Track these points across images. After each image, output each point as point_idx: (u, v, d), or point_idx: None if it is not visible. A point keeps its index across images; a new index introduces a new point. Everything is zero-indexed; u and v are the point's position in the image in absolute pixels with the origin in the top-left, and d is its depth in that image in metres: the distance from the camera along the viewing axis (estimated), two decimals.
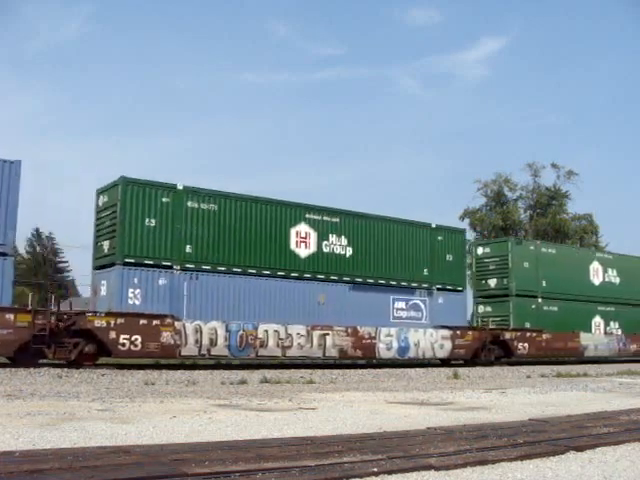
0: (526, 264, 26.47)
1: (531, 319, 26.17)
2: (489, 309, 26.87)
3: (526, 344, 24.98)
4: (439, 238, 23.67)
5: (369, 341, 20.65)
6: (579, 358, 27.36)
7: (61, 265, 69.76)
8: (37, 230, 69.25)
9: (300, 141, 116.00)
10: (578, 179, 50.24)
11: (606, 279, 29.72)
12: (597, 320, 28.70)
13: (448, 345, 22.64)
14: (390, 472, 4.43)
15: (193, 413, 7.68)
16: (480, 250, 27.82)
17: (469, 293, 26.56)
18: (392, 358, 21.51)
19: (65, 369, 15.02)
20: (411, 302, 22.55)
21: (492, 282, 26.83)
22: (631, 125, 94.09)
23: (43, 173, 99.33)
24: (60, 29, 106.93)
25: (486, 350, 23.65)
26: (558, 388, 13.24)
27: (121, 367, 16.65)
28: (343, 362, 22.53)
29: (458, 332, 23.10)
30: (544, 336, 25.77)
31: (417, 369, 20.15)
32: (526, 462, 4.99)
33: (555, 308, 27.05)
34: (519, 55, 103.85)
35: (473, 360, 23.33)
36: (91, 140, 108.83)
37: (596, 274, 29.35)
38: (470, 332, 23.62)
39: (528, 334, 25.40)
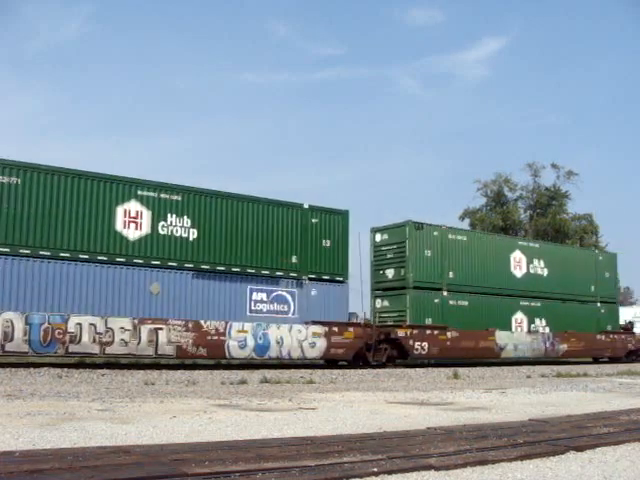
0: (428, 252, 23.30)
1: (434, 315, 22.99)
2: (386, 303, 23.68)
3: (425, 343, 21.94)
4: (313, 221, 20.51)
5: (216, 338, 17.81)
6: (495, 359, 24.55)
7: None
8: None
9: (300, 141, 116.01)
10: (578, 179, 50.27)
11: (531, 271, 26.47)
12: (519, 317, 25.58)
13: (322, 343, 19.47)
14: (390, 472, 4.43)
15: (193, 413, 7.69)
16: (378, 237, 24.38)
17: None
18: (247, 358, 18.60)
19: (65, 369, 15.01)
20: (275, 294, 19.55)
21: (390, 273, 23.54)
22: (631, 125, 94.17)
23: None
24: (60, 29, 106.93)
25: (374, 350, 20.84)
26: (558, 388, 13.24)
27: (121, 367, 16.65)
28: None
29: (335, 328, 19.88)
30: (449, 334, 22.71)
31: (417, 369, 20.16)
32: (526, 462, 5.00)
33: (465, 303, 23.85)
34: (519, 55, 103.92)
35: (357, 361, 20.52)
36: (91, 140, 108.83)
37: (518, 265, 26.05)
38: (351, 329, 20.35)
39: (428, 332, 22.27)
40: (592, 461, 5.14)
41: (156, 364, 18.40)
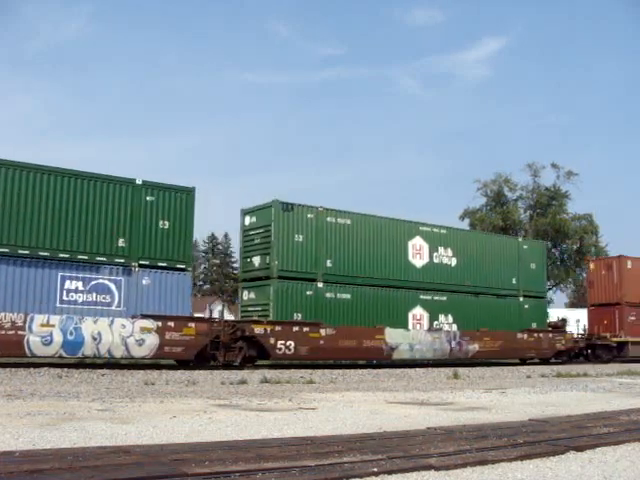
0: (299, 237, 20.13)
1: (306, 309, 19.87)
2: (252, 295, 20.61)
3: (291, 342, 18.96)
4: (148, 199, 17.85)
5: (12, 333, 15.36)
6: (385, 361, 21.94)
7: None
8: None
9: (300, 141, 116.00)
10: (578, 179, 50.32)
11: (435, 260, 23.19)
12: (418, 312, 22.35)
13: (153, 341, 16.89)
14: (390, 472, 4.43)
15: (193, 413, 7.69)
16: (247, 220, 21.23)
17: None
18: (54, 355, 16.07)
19: (65, 369, 15.01)
20: (94, 282, 16.95)
21: (256, 261, 20.51)
22: (631, 125, 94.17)
23: None
24: (60, 29, 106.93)
25: (226, 349, 18.18)
26: (558, 388, 13.24)
27: (121, 367, 16.64)
28: (343, 363, 22.42)
29: (171, 324, 17.18)
30: (323, 332, 19.55)
31: (417, 369, 20.13)
32: (526, 462, 5.00)
33: (347, 296, 20.75)
34: (519, 55, 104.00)
35: (202, 362, 18.05)
36: (91, 140, 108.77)
37: (419, 253, 22.79)
38: (192, 324, 17.67)
39: (295, 328, 19.13)
40: (592, 461, 5.14)
41: (156, 364, 18.40)
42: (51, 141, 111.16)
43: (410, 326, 22.07)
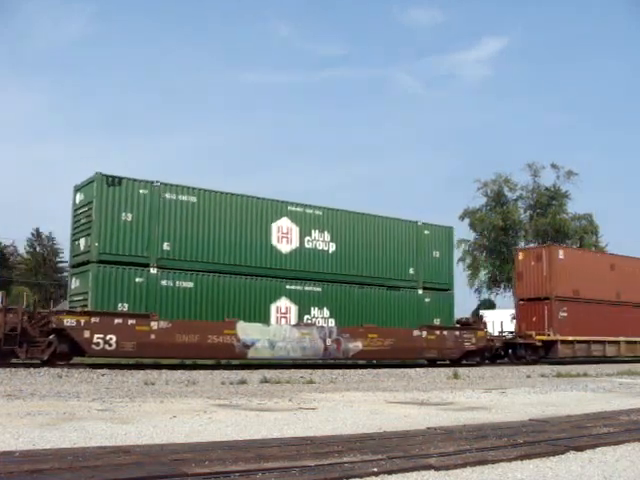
0: (127, 216, 17.49)
1: (135, 299, 17.33)
2: (78, 283, 18.05)
3: (113, 336, 16.45)
4: None
5: None
6: (240, 360, 19.41)
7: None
8: (37, 230, 69.23)
9: (300, 141, 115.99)
10: (578, 179, 50.26)
11: (307, 245, 20.29)
12: (283, 304, 19.47)
13: None
14: (390, 472, 4.43)
15: (193, 413, 7.68)
16: (78, 197, 18.44)
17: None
18: None
19: (65, 369, 15.00)
20: None
21: (82, 243, 17.96)
22: (631, 125, 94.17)
23: (43, 173, 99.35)
24: (60, 29, 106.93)
25: (29, 344, 15.77)
26: (558, 388, 13.24)
27: (121, 367, 16.63)
28: (344, 363, 22.24)
29: None
30: (154, 325, 17.08)
31: (417, 369, 20.12)
32: (526, 462, 5.00)
33: (189, 284, 18.11)
34: (520, 55, 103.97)
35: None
36: (91, 140, 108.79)
37: (286, 237, 19.91)
38: None
39: (118, 321, 16.64)
40: (592, 461, 5.14)
41: (156, 364, 18.40)
42: (51, 141, 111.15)
43: (273, 320, 19.20)
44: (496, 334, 25.69)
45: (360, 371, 18.35)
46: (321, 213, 20.89)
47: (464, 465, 4.76)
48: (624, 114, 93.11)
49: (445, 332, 22.56)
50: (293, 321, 19.63)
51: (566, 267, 26.62)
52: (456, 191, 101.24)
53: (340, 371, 17.99)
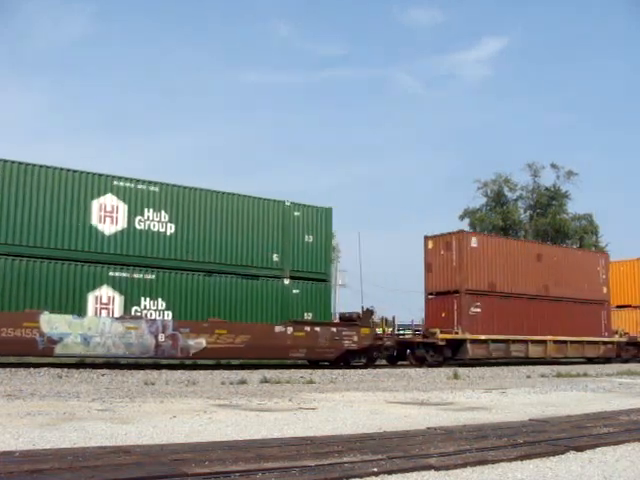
0: None
1: None
2: None
3: None
4: None
5: None
6: (46, 358, 16.22)
7: None
8: None
9: (300, 141, 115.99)
10: (578, 179, 50.36)
11: (138, 225, 17.69)
12: (105, 293, 16.91)
13: None
14: (390, 472, 4.43)
15: (193, 413, 7.69)
16: None
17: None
18: None
19: (65, 369, 15.01)
20: None
21: None
22: (631, 125, 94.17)
23: None
24: (60, 29, 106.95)
25: None
26: (558, 388, 13.24)
27: (121, 367, 16.64)
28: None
29: None
30: None
31: (417, 369, 20.13)
32: (526, 462, 4.99)
33: None
34: (520, 55, 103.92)
35: None
36: (91, 140, 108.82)
37: (110, 216, 17.33)
38: None
39: None
40: (592, 461, 5.14)
41: (156, 364, 18.40)
42: (51, 141, 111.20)
43: (91, 312, 16.62)
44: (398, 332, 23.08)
45: (360, 371, 18.37)
46: (157, 189, 18.19)
47: (464, 465, 4.75)
48: (624, 114, 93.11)
49: (317, 328, 19.40)
50: (117, 313, 17.00)
51: (480, 257, 23.46)
52: (456, 191, 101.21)
53: (340, 371, 18.01)
